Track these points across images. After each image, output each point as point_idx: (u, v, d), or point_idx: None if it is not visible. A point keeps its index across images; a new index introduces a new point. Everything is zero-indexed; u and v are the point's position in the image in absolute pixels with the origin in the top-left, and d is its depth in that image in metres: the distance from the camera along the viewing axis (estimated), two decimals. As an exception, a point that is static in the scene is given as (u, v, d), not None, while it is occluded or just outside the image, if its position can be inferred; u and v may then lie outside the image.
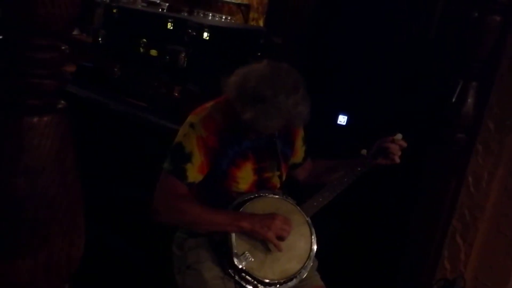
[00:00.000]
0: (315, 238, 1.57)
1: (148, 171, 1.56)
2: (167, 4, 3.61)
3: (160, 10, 3.45)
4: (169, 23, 2.41)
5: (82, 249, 0.80)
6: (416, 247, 2.20)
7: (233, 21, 3.56)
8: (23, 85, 0.70)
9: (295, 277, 1.51)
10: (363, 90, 2.32)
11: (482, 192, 2.03)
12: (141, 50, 2.50)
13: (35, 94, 0.71)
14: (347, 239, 2.34)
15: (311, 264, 1.55)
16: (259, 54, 2.45)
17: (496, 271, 2.06)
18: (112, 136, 2.44)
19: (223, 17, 3.49)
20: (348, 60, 2.36)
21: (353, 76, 2.34)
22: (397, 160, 1.62)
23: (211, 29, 2.30)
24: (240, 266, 1.44)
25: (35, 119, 0.71)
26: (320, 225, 1.60)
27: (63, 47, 0.73)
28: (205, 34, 2.29)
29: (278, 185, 1.67)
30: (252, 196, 1.56)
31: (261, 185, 1.61)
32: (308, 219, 1.59)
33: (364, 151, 1.68)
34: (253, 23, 3.62)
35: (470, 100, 2.00)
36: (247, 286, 1.46)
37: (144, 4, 3.46)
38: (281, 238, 1.47)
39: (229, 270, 1.47)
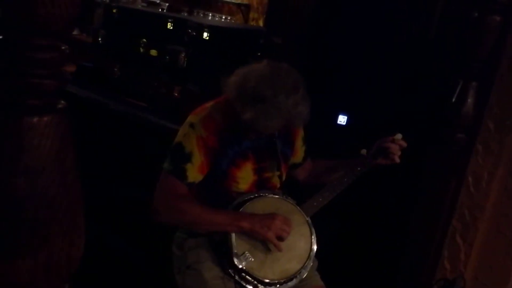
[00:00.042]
0: (315, 238, 1.57)
1: (148, 171, 1.56)
2: (167, 4, 3.61)
3: (160, 10, 3.45)
4: (169, 23, 2.41)
5: (82, 249, 0.80)
6: (416, 247, 2.20)
7: (233, 21, 3.56)
8: (23, 85, 0.70)
9: (295, 277, 1.51)
10: (363, 90, 2.32)
11: (482, 192, 2.03)
12: (141, 50, 2.50)
13: (35, 94, 0.71)
14: (347, 239, 2.34)
15: (311, 264, 1.55)
16: (259, 54, 2.45)
17: (496, 271, 2.06)
18: (112, 136, 2.44)
19: (223, 17, 3.49)
20: (348, 60, 2.36)
21: (353, 76, 2.34)
22: (397, 160, 1.62)
23: (211, 29, 2.30)
24: (240, 266, 1.44)
25: (35, 119, 0.71)
26: (320, 225, 1.60)
27: (63, 47, 0.73)
28: (205, 34, 2.29)
29: (278, 185, 1.67)
30: (252, 196, 1.56)
31: (261, 185, 1.61)
32: (308, 219, 1.59)
33: (364, 151, 1.68)
34: (253, 23, 3.62)
35: (470, 100, 2.00)
36: (247, 286, 1.46)
37: (144, 4, 3.46)
38: (281, 238, 1.47)
39: (229, 270, 1.47)
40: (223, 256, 1.49)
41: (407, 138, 1.64)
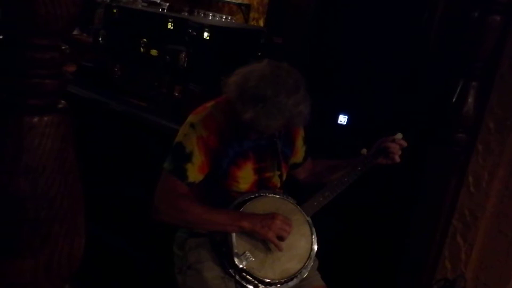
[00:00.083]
0: (316, 238, 1.57)
1: (149, 171, 1.56)
2: (168, 4, 3.61)
3: (160, 10, 3.45)
4: (169, 23, 2.41)
5: (83, 249, 0.80)
6: (416, 246, 2.20)
7: (233, 21, 3.56)
8: (23, 85, 0.70)
9: (296, 276, 1.51)
10: (364, 90, 2.32)
11: (483, 192, 2.03)
12: (142, 50, 2.50)
13: (35, 94, 0.71)
14: (348, 238, 2.34)
15: (312, 263, 1.55)
16: (259, 54, 2.45)
17: (497, 271, 2.06)
18: (112, 136, 2.44)
19: (224, 17, 3.49)
20: (348, 60, 2.36)
21: (353, 76, 2.34)
22: (397, 159, 1.62)
23: (212, 29, 2.29)
24: (241, 266, 1.44)
25: (36, 119, 0.71)
26: (321, 224, 1.60)
27: (63, 47, 0.73)
28: (206, 34, 2.28)
29: (279, 185, 1.67)
30: (253, 196, 1.56)
31: (262, 185, 1.61)
32: (308, 218, 1.59)
33: (364, 151, 1.68)
34: (253, 23, 3.62)
35: (470, 100, 2.00)
36: (248, 285, 1.46)
37: (145, 4, 3.45)
38: (281, 238, 1.47)
39: (230, 270, 1.47)
40: (224, 256, 1.49)
41: (408, 138, 1.64)
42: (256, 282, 1.46)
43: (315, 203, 1.60)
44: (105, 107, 2.47)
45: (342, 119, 2.39)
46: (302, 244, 1.55)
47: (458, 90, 2.02)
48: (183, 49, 2.33)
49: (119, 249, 2.33)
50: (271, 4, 2.98)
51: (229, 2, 3.71)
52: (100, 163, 2.40)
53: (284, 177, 1.68)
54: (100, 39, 2.69)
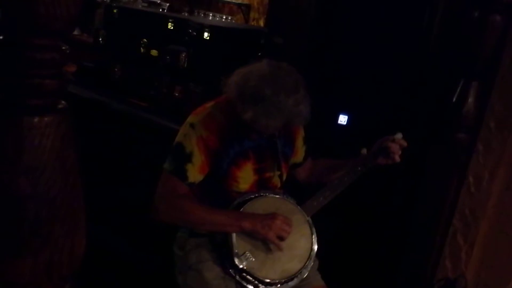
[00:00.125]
0: (316, 238, 1.57)
1: (149, 171, 1.56)
2: (168, 4, 3.61)
3: (160, 10, 3.45)
4: (169, 23, 2.41)
5: (83, 249, 0.80)
6: (417, 246, 2.20)
7: (233, 21, 3.56)
8: (23, 85, 0.70)
9: (296, 276, 1.51)
10: (364, 89, 2.32)
11: (483, 192, 2.03)
12: (142, 50, 2.50)
13: (35, 94, 0.71)
14: (348, 238, 2.34)
15: (312, 263, 1.55)
16: (259, 54, 2.45)
17: (497, 270, 2.06)
18: (113, 136, 2.44)
19: (224, 17, 3.49)
20: (348, 60, 2.36)
21: (353, 76, 2.34)
22: (398, 159, 1.62)
23: (212, 29, 2.29)
24: (241, 266, 1.44)
25: (36, 119, 0.71)
26: (321, 224, 1.60)
27: (63, 47, 0.73)
28: (206, 34, 2.29)
29: (279, 185, 1.67)
30: (253, 196, 1.56)
31: (262, 185, 1.61)
32: (308, 218, 1.59)
33: (364, 151, 1.68)
34: (253, 23, 3.62)
35: (471, 100, 2.00)
36: (248, 286, 1.46)
37: (145, 4, 3.46)
38: (281, 238, 1.47)
39: (230, 270, 1.47)
40: (224, 256, 1.49)
41: (408, 137, 1.64)
42: (256, 282, 1.46)
43: (315, 203, 1.60)
44: (105, 107, 2.47)
45: (342, 119, 2.39)
46: (302, 244, 1.55)
47: (458, 89, 2.02)
48: (183, 49, 2.33)
49: (119, 249, 2.33)
50: (271, 4, 2.98)
51: (229, 2, 3.71)
52: (100, 163, 2.40)
53: (284, 177, 1.68)
54: (100, 39, 2.69)
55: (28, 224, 0.72)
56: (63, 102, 0.76)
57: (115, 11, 2.64)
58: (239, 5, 3.63)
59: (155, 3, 3.53)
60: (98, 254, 1.48)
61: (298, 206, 1.59)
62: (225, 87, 1.47)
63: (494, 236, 2.05)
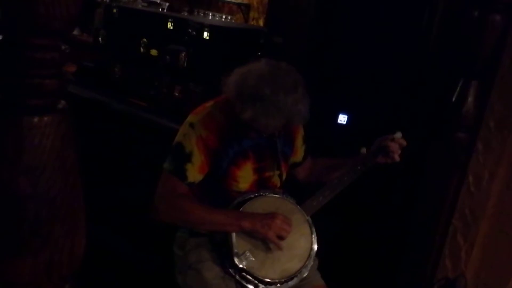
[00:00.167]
0: (316, 237, 1.57)
1: (149, 171, 1.56)
2: (167, 4, 3.61)
3: (160, 10, 3.45)
4: (169, 23, 2.41)
5: (83, 249, 0.80)
6: (417, 246, 2.20)
7: (233, 21, 3.56)
8: (23, 85, 0.70)
9: (296, 276, 1.51)
10: (364, 89, 2.32)
11: (483, 191, 2.03)
12: (142, 50, 2.50)
13: (35, 94, 0.71)
14: (348, 238, 2.34)
15: (312, 263, 1.55)
16: (259, 53, 2.45)
17: (497, 270, 2.06)
18: (113, 136, 2.44)
19: (223, 17, 3.49)
20: (348, 59, 2.36)
21: (353, 75, 2.34)
22: (397, 158, 1.62)
23: (212, 28, 2.30)
24: (241, 266, 1.44)
25: (36, 119, 0.71)
26: (321, 224, 1.60)
27: (63, 47, 0.73)
28: (206, 34, 2.29)
29: (279, 184, 1.67)
30: (252, 196, 1.56)
31: (261, 185, 1.61)
32: (308, 218, 1.59)
33: (364, 150, 1.68)
34: (253, 22, 3.62)
35: (470, 99, 2.00)
36: (248, 285, 1.46)
37: (145, 4, 3.46)
38: (281, 237, 1.48)
39: (230, 270, 1.47)
40: (224, 255, 1.49)
41: (408, 137, 1.64)
42: (256, 281, 1.46)
43: (315, 203, 1.60)
44: (105, 107, 2.47)
45: (342, 118, 2.40)
46: (302, 244, 1.55)
47: (458, 89, 2.02)
48: (183, 49, 2.33)
49: (119, 249, 2.34)
50: (271, 4, 2.98)
51: (229, 2, 3.71)
52: (100, 163, 2.40)
53: (283, 177, 1.68)
54: (100, 39, 2.69)
55: (28, 224, 0.72)
56: (63, 102, 0.76)
57: (115, 10, 2.64)
58: (239, 4, 3.62)
59: (155, 2, 3.53)
60: (98, 254, 1.49)
61: (298, 206, 1.60)
62: (224, 86, 1.47)
63: (494, 235, 2.05)
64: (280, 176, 1.65)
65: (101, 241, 1.82)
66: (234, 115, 1.45)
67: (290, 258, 1.51)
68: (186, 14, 3.54)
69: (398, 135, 1.64)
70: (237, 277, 1.46)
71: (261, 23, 3.51)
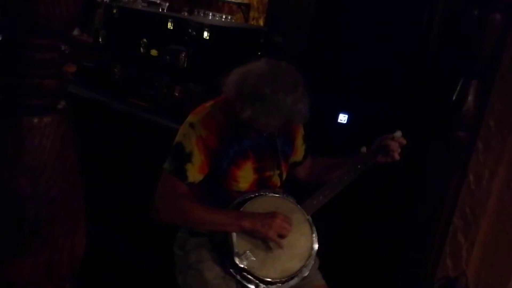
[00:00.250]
0: (316, 237, 1.57)
1: (149, 171, 1.56)
2: (167, 4, 3.61)
3: (160, 10, 3.45)
4: (169, 23, 2.41)
5: (83, 248, 0.80)
6: (417, 244, 2.20)
7: (233, 21, 3.56)
8: (23, 85, 0.70)
9: (297, 275, 1.51)
10: (364, 88, 2.32)
11: (483, 190, 2.03)
12: (142, 50, 2.50)
13: (35, 94, 0.71)
14: (348, 237, 2.34)
15: (313, 262, 1.55)
16: (259, 53, 2.45)
17: (498, 269, 2.06)
18: (113, 136, 2.44)
19: (224, 17, 3.49)
20: (348, 58, 2.36)
21: (353, 74, 2.34)
22: (397, 157, 1.62)
23: (212, 28, 2.29)
24: (242, 266, 1.44)
25: (36, 119, 0.71)
26: (321, 223, 1.60)
27: (63, 47, 0.73)
28: (206, 34, 2.28)
29: (279, 184, 1.67)
30: (253, 195, 1.56)
31: (262, 184, 1.61)
32: (308, 217, 1.59)
33: (364, 149, 1.68)
34: (253, 22, 3.62)
35: (470, 98, 2.00)
36: (249, 285, 1.46)
37: (144, 4, 3.45)
38: (282, 237, 1.47)
39: (231, 270, 1.47)
40: (224, 255, 1.49)
41: (408, 136, 1.64)
42: (257, 281, 1.46)
43: (315, 202, 1.60)
44: (105, 107, 2.47)
45: (342, 118, 2.40)
46: (303, 243, 1.55)
47: (458, 88, 2.02)
48: (183, 49, 2.33)
49: (119, 249, 2.34)
50: (271, 4, 2.98)
51: (229, 2, 3.70)
52: (100, 163, 2.40)
53: (284, 176, 1.68)
54: (100, 39, 2.69)
55: (28, 224, 0.72)
56: (63, 102, 0.76)
57: (115, 11, 2.64)
58: (239, 4, 3.62)
59: (155, 3, 3.53)
60: (98, 254, 1.49)
61: (298, 205, 1.59)
62: (224, 86, 1.47)
63: (494, 235, 2.05)
64: (280, 175, 1.65)
65: (101, 241, 1.82)
66: (234, 115, 1.45)
67: (290, 258, 1.51)
68: (186, 14, 3.54)
69: (398, 134, 1.64)
70: (238, 277, 1.46)
71: (261, 22, 3.51)
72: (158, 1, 3.55)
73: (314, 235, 1.57)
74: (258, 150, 1.59)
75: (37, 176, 0.71)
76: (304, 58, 2.36)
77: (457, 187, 2.08)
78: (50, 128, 0.72)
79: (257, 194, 1.57)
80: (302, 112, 1.44)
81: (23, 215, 0.71)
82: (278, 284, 1.48)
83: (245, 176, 1.57)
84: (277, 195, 1.60)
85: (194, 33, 2.31)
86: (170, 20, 2.42)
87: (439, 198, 2.12)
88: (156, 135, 2.23)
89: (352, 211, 2.29)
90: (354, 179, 1.64)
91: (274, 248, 1.49)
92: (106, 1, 3.28)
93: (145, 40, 2.48)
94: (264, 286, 1.47)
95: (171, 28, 2.41)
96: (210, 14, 3.44)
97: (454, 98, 2.02)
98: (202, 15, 3.48)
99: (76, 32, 3.55)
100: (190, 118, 1.54)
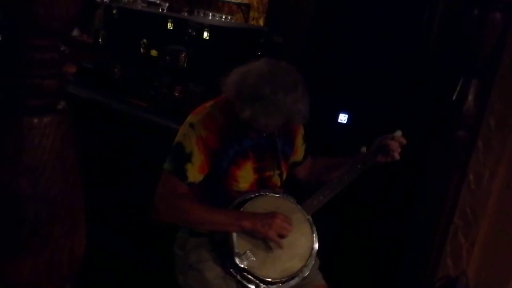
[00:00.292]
0: (316, 236, 1.57)
1: (149, 171, 1.56)
2: (167, 4, 3.61)
3: (160, 10, 3.45)
4: (169, 23, 2.41)
5: (83, 249, 0.80)
6: (417, 244, 2.20)
7: (233, 21, 3.56)
8: (23, 85, 0.70)
9: (297, 275, 1.51)
10: (364, 88, 2.32)
11: (484, 190, 2.03)
12: (142, 50, 2.50)
13: (35, 94, 0.71)
14: (348, 237, 2.34)
15: (313, 262, 1.55)
16: (259, 53, 2.45)
17: (498, 269, 2.06)
18: (113, 136, 2.44)
19: (223, 17, 3.49)
20: (348, 58, 2.36)
21: (353, 74, 2.34)
22: (397, 157, 1.62)
23: (212, 28, 2.30)
24: (242, 266, 1.44)
25: (36, 120, 0.71)
26: (321, 223, 1.60)
27: (62, 48, 0.73)
28: (205, 34, 2.29)
29: (279, 184, 1.67)
30: (253, 195, 1.56)
31: (262, 184, 1.61)
32: (309, 217, 1.59)
33: (364, 149, 1.68)
34: (253, 22, 3.62)
35: (470, 98, 2.00)
36: (249, 285, 1.46)
37: (144, 5, 3.46)
38: (282, 237, 1.47)
39: (231, 270, 1.47)
40: (225, 255, 1.49)
41: (408, 136, 1.64)
42: (257, 281, 1.46)
43: (315, 202, 1.60)
44: (106, 108, 2.47)
45: (342, 118, 2.40)
46: (303, 243, 1.55)
47: (458, 88, 2.02)
48: (183, 49, 2.33)
49: (119, 249, 2.34)
50: (271, 4, 2.98)
51: (228, 2, 3.71)
52: (100, 163, 2.40)
53: (284, 176, 1.68)
54: (100, 39, 2.69)
55: (28, 224, 0.72)
56: (63, 102, 0.76)
57: (114, 11, 2.64)
58: (239, 4, 3.62)
59: (154, 3, 3.53)
60: (98, 254, 1.49)
61: (298, 205, 1.59)
62: (224, 86, 1.47)
63: (495, 234, 2.05)
64: (280, 175, 1.65)
65: (101, 241, 1.82)
66: (234, 115, 1.45)
67: (291, 258, 1.51)
68: (186, 14, 3.54)
69: (398, 133, 1.64)
70: (238, 277, 1.46)
71: (261, 22, 3.51)
72: (158, 2, 3.56)
73: (314, 235, 1.57)
74: (258, 150, 1.59)
75: (37, 176, 0.71)
76: (304, 58, 2.36)
77: (457, 187, 2.08)
78: (50, 128, 0.72)
79: (257, 194, 1.57)
80: (302, 112, 1.44)
81: (23, 215, 0.71)
82: (279, 284, 1.48)
83: (245, 176, 1.57)
84: (277, 195, 1.60)
85: (194, 33, 2.31)
86: (170, 20, 2.42)
87: (439, 198, 2.12)
88: (156, 135, 2.23)
89: (352, 211, 2.29)
90: (354, 179, 1.64)
91: (275, 248, 1.49)
92: (106, 1, 3.29)
93: (145, 40, 2.48)
94: (265, 286, 1.47)
95: (171, 28, 2.41)
96: (210, 14, 3.44)
97: (454, 98, 2.02)
98: (202, 15, 3.48)
99: (76, 32, 3.55)
100: (190, 118, 1.54)
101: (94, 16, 3.32)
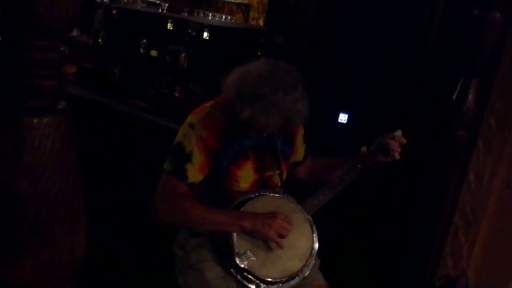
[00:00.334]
0: (317, 236, 1.57)
1: (149, 171, 1.56)
2: (167, 5, 3.61)
3: (160, 10, 3.45)
4: (169, 24, 2.41)
5: (83, 249, 0.80)
6: (418, 244, 2.20)
7: (233, 21, 3.56)
8: (23, 86, 0.70)
9: (297, 275, 1.51)
10: (364, 88, 2.32)
11: (484, 190, 2.03)
12: (142, 50, 2.50)
13: (35, 94, 0.72)
14: (348, 237, 2.34)
15: (313, 262, 1.55)
16: (259, 53, 2.45)
17: (498, 268, 2.06)
18: (113, 137, 2.44)
19: (223, 17, 3.49)
20: (348, 58, 2.36)
21: (353, 74, 2.34)
22: (397, 156, 1.62)
23: (211, 29, 2.30)
24: (242, 266, 1.44)
25: (36, 120, 0.71)
26: (321, 223, 1.60)
27: (62, 48, 0.73)
28: (205, 34, 2.29)
29: (279, 184, 1.67)
30: (253, 195, 1.56)
31: (262, 184, 1.61)
32: (309, 217, 1.59)
33: (364, 148, 1.68)
34: (253, 22, 3.62)
35: (471, 97, 2.00)
36: (249, 285, 1.46)
37: (144, 5, 3.46)
38: (282, 236, 1.47)
39: (231, 270, 1.47)
40: (225, 255, 1.49)
41: (408, 136, 1.64)
42: (257, 281, 1.46)
43: (315, 202, 1.60)
44: (106, 108, 2.47)
45: (343, 117, 2.40)
46: (303, 243, 1.55)
47: (458, 87, 2.02)
48: (183, 49, 2.33)
49: (119, 249, 2.34)
50: (270, 4, 2.98)
51: (228, 2, 3.71)
52: (100, 163, 2.40)
53: (284, 176, 1.68)
54: (100, 40, 2.69)
55: (28, 224, 0.72)
56: (62, 102, 0.76)
57: (114, 12, 2.64)
58: (239, 4, 3.62)
59: (154, 3, 3.53)
60: (98, 254, 1.49)
61: (299, 205, 1.60)
62: (224, 86, 1.47)
63: (495, 234, 2.05)
64: (280, 175, 1.65)
65: (101, 241, 1.82)
66: (234, 115, 1.45)
67: (291, 258, 1.51)
68: (186, 14, 3.54)
69: (398, 133, 1.64)
70: (239, 277, 1.46)
71: (261, 23, 3.51)
72: (158, 2, 3.56)
73: (314, 234, 1.57)
74: (258, 150, 1.59)
75: (37, 176, 0.71)
76: (304, 58, 2.36)
77: (457, 187, 2.08)
78: (50, 129, 0.72)
79: (257, 194, 1.57)
80: (301, 112, 1.44)
81: (23, 215, 0.71)
82: (279, 284, 1.48)
83: (245, 176, 1.57)
84: (277, 195, 1.60)
85: (194, 33, 2.31)
86: (170, 20, 2.42)
87: (439, 198, 2.12)
88: (156, 136, 2.23)
89: (352, 210, 2.29)
90: (355, 178, 1.64)
91: (275, 248, 1.49)
92: (105, 2, 3.29)
93: (145, 40, 2.48)
94: (265, 286, 1.47)
95: (171, 28, 2.41)
96: (210, 14, 3.44)
97: (454, 97, 2.02)
98: (202, 15, 3.48)
99: (75, 33, 3.55)
100: (190, 118, 1.54)
101: (94, 16, 3.32)
